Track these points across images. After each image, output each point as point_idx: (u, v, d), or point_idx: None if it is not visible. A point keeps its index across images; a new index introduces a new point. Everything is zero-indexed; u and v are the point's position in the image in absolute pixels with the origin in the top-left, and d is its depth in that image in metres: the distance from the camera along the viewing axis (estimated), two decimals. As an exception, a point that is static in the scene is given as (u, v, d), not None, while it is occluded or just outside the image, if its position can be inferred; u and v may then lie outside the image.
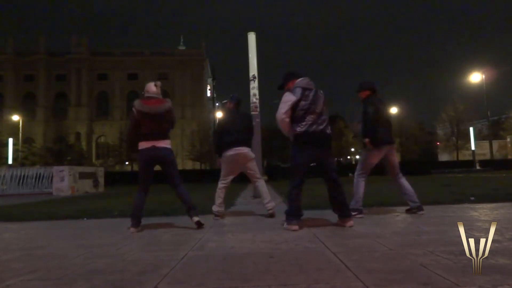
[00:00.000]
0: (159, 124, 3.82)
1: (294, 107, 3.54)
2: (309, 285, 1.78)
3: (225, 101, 5.27)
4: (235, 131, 4.45)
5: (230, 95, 4.82)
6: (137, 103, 3.85)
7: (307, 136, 3.52)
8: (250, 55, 8.42)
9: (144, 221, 4.21)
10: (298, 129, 3.55)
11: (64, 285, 1.96)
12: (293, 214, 3.52)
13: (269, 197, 4.63)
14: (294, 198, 3.56)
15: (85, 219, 5.11)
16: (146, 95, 3.92)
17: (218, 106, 50.15)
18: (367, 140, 4.17)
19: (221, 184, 4.62)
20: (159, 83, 4.06)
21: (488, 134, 36.34)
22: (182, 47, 68.75)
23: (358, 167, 4.45)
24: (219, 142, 4.54)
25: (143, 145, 3.81)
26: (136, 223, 3.80)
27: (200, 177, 24.34)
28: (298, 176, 3.59)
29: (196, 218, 3.76)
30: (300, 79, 3.71)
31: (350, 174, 25.44)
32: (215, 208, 4.56)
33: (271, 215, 4.49)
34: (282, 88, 3.87)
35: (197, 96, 63.96)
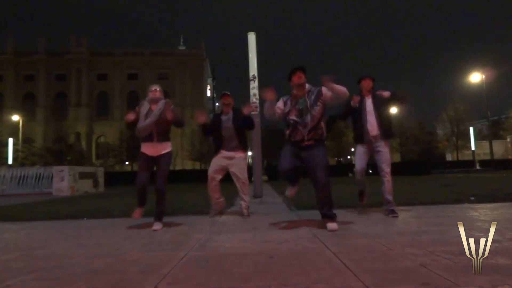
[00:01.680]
0: None
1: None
2: (309, 285, 1.78)
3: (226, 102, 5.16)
4: None
5: (223, 92, 4.71)
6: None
7: None
8: (250, 55, 8.42)
9: (145, 221, 4.22)
10: None
11: (64, 285, 1.96)
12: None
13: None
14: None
15: (85, 219, 5.12)
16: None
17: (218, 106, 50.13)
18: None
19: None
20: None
21: (488, 134, 36.34)
22: (182, 47, 68.63)
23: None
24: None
25: None
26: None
27: (200, 177, 24.33)
28: None
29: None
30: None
31: (350, 174, 25.51)
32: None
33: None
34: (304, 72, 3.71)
35: (197, 96, 63.82)
